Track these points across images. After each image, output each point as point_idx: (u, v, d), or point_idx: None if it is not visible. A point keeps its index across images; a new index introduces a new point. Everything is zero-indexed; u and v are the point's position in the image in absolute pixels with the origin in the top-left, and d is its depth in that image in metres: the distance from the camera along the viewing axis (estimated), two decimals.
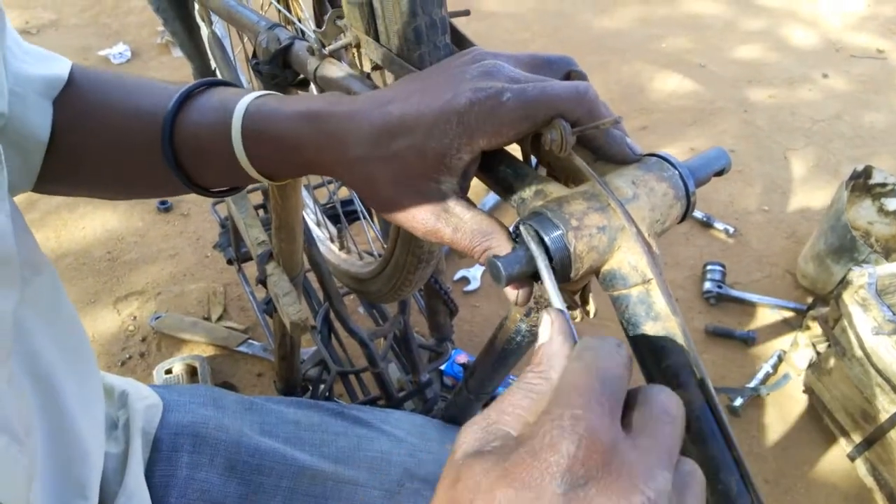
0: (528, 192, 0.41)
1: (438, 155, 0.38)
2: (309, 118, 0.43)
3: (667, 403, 0.30)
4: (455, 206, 0.40)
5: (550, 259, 0.36)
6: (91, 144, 0.53)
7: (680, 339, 0.37)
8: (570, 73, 0.44)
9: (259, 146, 0.46)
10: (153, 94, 0.52)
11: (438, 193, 0.40)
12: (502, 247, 0.39)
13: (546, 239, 0.36)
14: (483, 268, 1.83)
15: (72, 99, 0.52)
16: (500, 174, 0.42)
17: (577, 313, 0.46)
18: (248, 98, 0.47)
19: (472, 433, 0.30)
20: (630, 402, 0.30)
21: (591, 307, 0.46)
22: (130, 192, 0.61)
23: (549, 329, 0.33)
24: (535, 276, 0.39)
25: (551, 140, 0.38)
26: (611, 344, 0.31)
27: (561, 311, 0.34)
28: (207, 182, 0.52)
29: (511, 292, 0.39)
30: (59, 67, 0.52)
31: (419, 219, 0.40)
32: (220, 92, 0.51)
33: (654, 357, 0.37)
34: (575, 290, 0.45)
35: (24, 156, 0.51)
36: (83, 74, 0.54)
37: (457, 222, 0.40)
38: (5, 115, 0.49)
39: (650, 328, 0.37)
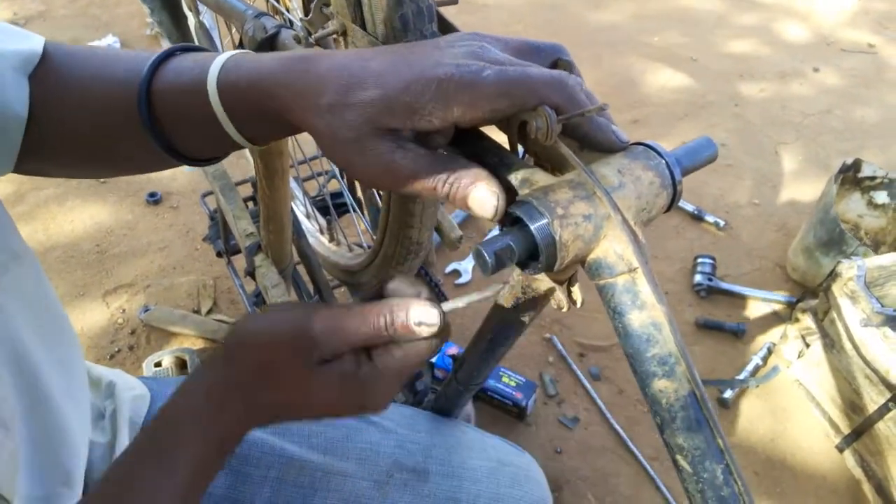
0: (514, 181, 0.40)
1: (409, 109, 0.38)
2: (286, 63, 0.42)
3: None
4: (411, 144, 0.39)
5: (535, 254, 0.36)
6: (69, 118, 0.51)
7: (666, 328, 0.37)
8: (558, 62, 0.43)
9: (235, 98, 0.45)
10: (128, 62, 0.50)
11: (399, 138, 0.39)
12: (469, 173, 0.39)
13: (532, 227, 0.36)
14: (473, 255, 1.82)
15: (47, 73, 0.51)
16: (487, 163, 0.42)
17: (564, 302, 0.46)
18: (225, 55, 0.46)
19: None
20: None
21: (578, 297, 0.46)
22: (112, 166, 0.59)
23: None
24: (522, 265, 0.38)
25: (537, 128, 0.38)
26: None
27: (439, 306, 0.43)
28: (188, 149, 0.51)
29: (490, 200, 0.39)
30: (33, 43, 0.51)
31: (377, 155, 0.39)
32: (194, 55, 0.49)
33: (640, 346, 0.37)
34: (561, 279, 0.45)
35: (3, 135, 0.50)
36: (57, 49, 0.52)
37: (414, 156, 0.39)
38: None
39: (636, 317, 0.37)
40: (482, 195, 0.38)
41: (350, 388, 0.43)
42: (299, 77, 0.41)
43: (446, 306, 0.44)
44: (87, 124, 0.51)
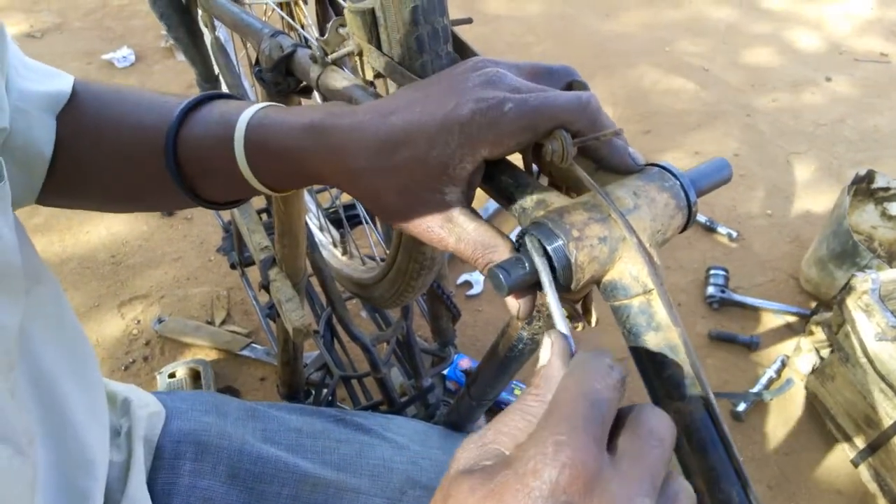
0: (529, 202, 0.41)
1: (441, 165, 0.39)
2: (311, 131, 0.44)
3: (655, 425, 0.30)
4: (459, 215, 0.40)
5: (554, 275, 0.36)
6: (94, 159, 0.53)
7: (681, 350, 0.37)
8: (572, 84, 0.44)
9: (262, 159, 0.47)
10: (155, 108, 0.52)
11: (442, 203, 0.40)
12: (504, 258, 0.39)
13: (548, 249, 0.36)
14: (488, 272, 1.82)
15: (75, 114, 0.52)
16: (502, 183, 0.42)
17: (579, 323, 0.46)
18: (250, 111, 0.47)
19: (467, 450, 0.31)
20: (619, 422, 0.31)
21: (593, 316, 0.46)
22: (135, 205, 0.61)
23: (549, 351, 0.33)
24: (537, 286, 0.39)
25: (552, 151, 0.38)
26: (603, 363, 0.31)
27: (563, 334, 0.34)
28: (211, 194, 0.53)
29: (512, 303, 0.39)
30: (62, 83, 0.53)
31: (423, 227, 0.41)
32: (221, 105, 0.51)
33: (656, 368, 0.37)
34: (576, 299, 0.45)
35: (27, 170, 0.51)
36: (86, 89, 0.54)
37: (460, 232, 0.40)
38: (7, 129, 0.49)
39: (651, 339, 0.37)
40: (510, 300, 0.40)
41: None
42: (326, 146, 0.43)
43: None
44: (111, 166, 0.53)
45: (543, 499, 0.26)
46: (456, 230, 0.40)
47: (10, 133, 0.50)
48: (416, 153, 0.39)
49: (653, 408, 0.32)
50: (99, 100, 0.54)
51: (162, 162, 0.49)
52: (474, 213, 0.41)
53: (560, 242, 0.36)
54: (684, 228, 0.41)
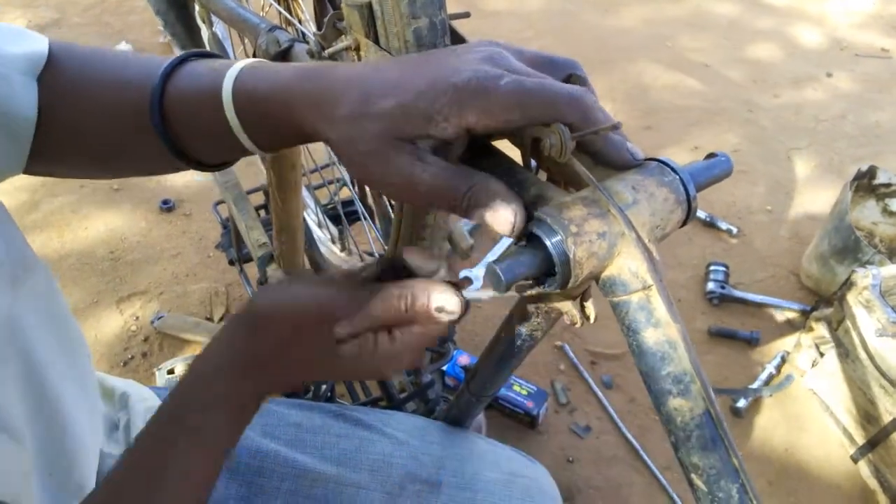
0: (527, 197, 0.40)
1: (425, 116, 0.37)
2: (303, 74, 0.43)
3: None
4: (432, 157, 0.39)
5: (550, 272, 0.36)
6: (79, 119, 0.51)
7: (680, 347, 0.37)
8: (572, 77, 0.43)
9: (250, 107, 0.45)
10: (139, 66, 0.50)
11: (415, 149, 0.39)
12: (488, 182, 0.39)
13: (548, 243, 0.36)
14: (485, 268, 1.82)
15: (55, 75, 0.51)
16: (500, 178, 0.42)
17: (577, 318, 0.46)
18: (240, 63, 0.46)
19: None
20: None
21: (591, 312, 0.46)
22: (121, 168, 0.59)
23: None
24: (535, 282, 0.38)
25: (551, 145, 0.38)
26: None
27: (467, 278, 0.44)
28: (199, 154, 0.51)
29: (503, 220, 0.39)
30: (38, 44, 0.51)
31: (395, 169, 0.39)
32: (209, 61, 0.49)
33: (655, 364, 0.37)
34: (575, 295, 0.45)
35: (12, 137, 0.50)
36: (64, 49, 0.52)
37: (434, 170, 0.39)
38: None
39: (650, 335, 0.37)
40: (501, 212, 0.38)
41: (367, 362, 0.45)
42: (315, 88, 0.41)
43: (468, 294, 0.45)
44: (96, 126, 0.51)
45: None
46: (429, 168, 0.39)
47: None
48: (401, 101, 0.38)
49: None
50: (79, 59, 0.52)
51: (147, 119, 0.48)
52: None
53: (559, 237, 0.36)
54: (684, 223, 0.41)
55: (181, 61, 0.49)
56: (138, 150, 0.52)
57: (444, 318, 0.43)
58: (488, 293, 0.45)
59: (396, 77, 0.39)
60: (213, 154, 0.52)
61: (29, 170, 0.54)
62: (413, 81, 0.38)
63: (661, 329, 0.37)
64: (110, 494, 0.47)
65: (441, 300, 0.43)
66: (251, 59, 0.48)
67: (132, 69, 0.51)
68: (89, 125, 0.51)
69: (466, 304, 0.44)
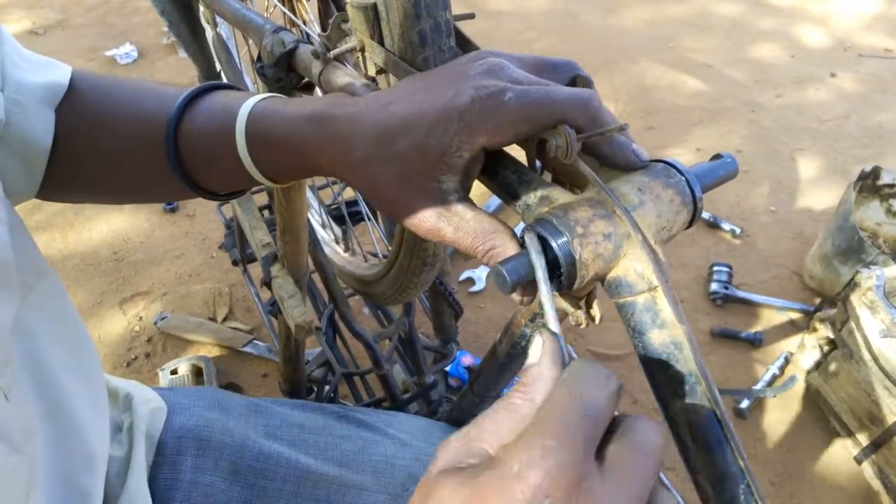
0: (532, 198, 0.40)
1: (439, 152, 0.38)
2: (312, 120, 0.43)
3: (646, 437, 0.30)
4: (457, 205, 0.40)
5: (555, 273, 0.36)
6: (94, 150, 0.53)
7: (686, 348, 0.36)
8: (576, 79, 0.43)
9: (263, 149, 0.46)
10: (155, 99, 0.51)
11: (440, 192, 0.40)
12: (506, 246, 0.39)
13: (553, 245, 0.36)
14: (488, 269, 1.82)
15: (74, 105, 0.52)
16: (505, 179, 0.42)
17: (582, 319, 0.45)
18: (251, 101, 0.47)
19: (449, 449, 0.30)
20: (611, 430, 0.30)
21: (596, 313, 0.45)
22: (135, 197, 0.61)
23: (539, 350, 0.32)
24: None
25: (556, 146, 0.38)
26: (601, 372, 0.30)
27: (554, 333, 0.33)
28: (212, 185, 0.52)
29: (516, 296, 0.39)
30: (60, 74, 0.52)
31: (421, 218, 0.40)
32: (223, 95, 0.51)
33: (660, 365, 0.37)
34: (580, 296, 0.45)
35: (26, 163, 0.51)
36: (84, 80, 0.54)
37: (458, 221, 0.40)
38: (2, 121, 0.49)
39: (656, 336, 0.37)
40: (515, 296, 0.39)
41: None
42: (325, 135, 0.42)
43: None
44: (111, 157, 0.53)
45: (526, 502, 0.26)
46: (454, 219, 0.40)
47: (8, 125, 0.49)
48: (415, 141, 0.38)
49: (645, 419, 0.31)
50: (98, 90, 0.53)
51: (162, 152, 0.49)
52: (472, 203, 0.41)
53: (565, 239, 0.36)
54: (689, 224, 0.41)
55: (197, 94, 0.50)
56: (151, 180, 0.54)
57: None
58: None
59: (403, 112, 0.39)
60: (226, 185, 0.54)
61: (42, 195, 0.55)
62: (422, 115, 0.38)
63: (666, 330, 0.37)
64: None
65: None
66: (261, 96, 0.49)
67: (149, 102, 0.52)
68: (104, 155, 0.53)
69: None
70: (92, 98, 0.53)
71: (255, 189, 1.28)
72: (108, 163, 0.53)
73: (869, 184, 1.81)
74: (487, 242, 0.39)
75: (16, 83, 0.50)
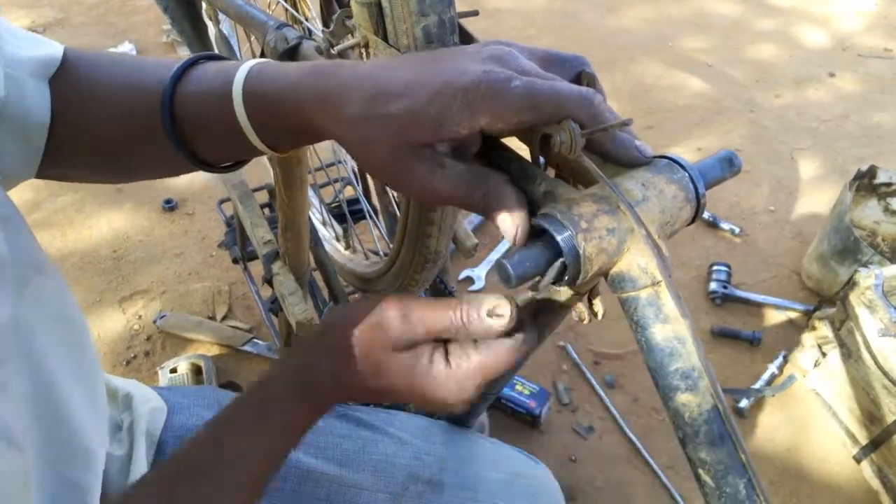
0: (537, 193, 0.40)
1: (436, 122, 0.37)
2: (312, 75, 0.43)
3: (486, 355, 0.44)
4: (448, 160, 0.40)
5: (563, 266, 0.36)
6: (90, 123, 0.52)
7: (689, 342, 0.37)
8: (582, 74, 0.43)
9: (260, 107, 0.45)
10: (150, 69, 0.51)
11: (433, 157, 0.39)
12: (501, 189, 0.40)
13: (558, 239, 0.36)
14: (487, 268, 1.83)
15: (68, 78, 0.51)
16: (510, 174, 0.42)
17: (585, 314, 0.46)
18: (250, 62, 0.47)
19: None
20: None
21: (599, 308, 0.46)
22: (133, 171, 0.59)
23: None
24: (544, 278, 0.38)
25: (560, 142, 0.38)
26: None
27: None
28: (209, 156, 0.51)
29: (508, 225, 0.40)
30: (52, 49, 0.52)
31: (415, 176, 0.40)
32: (218, 63, 0.50)
33: (663, 360, 0.37)
34: (583, 291, 0.45)
35: (25, 140, 0.50)
36: (77, 55, 0.53)
37: (452, 175, 0.40)
38: (1, 98, 0.48)
39: (659, 331, 0.37)
40: (506, 224, 0.40)
41: (420, 381, 0.45)
42: (323, 86, 0.41)
43: (519, 299, 0.45)
44: (108, 129, 0.52)
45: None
46: (447, 173, 0.39)
47: (6, 104, 0.49)
48: (412, 105, 0.38)
49: (502, 350, 0.44)
50: (91, 64, 0.53)
51: (158, 122, 0.48)
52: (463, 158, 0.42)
53: (569, 233, 0.36)
54: (692, 220, 0.41)
55: (191, 64, 0.50)
56: (150, 152, 0.53)
57: (496, 323, 0.43)
58: (540, 294, 0.46)
59: (406, 77, 0.39)
60: (225, 155, 0.52)
61: (41, 173, 0.54)
62: (423, 83, 0.38)
63: (669, 325, 0.37)
64: (165, 491, 0.49)
65: (491, 302, 0.43)
66: (259, 59, 0.48)
67: (143, 72, 0.51)
68: (101, 128, 0.52)
69: (521, 316, 0.45)
70: (84, 71, 0.52)
71: (255, 187, 1.28)
72: (105, 135, 0.52)
73: (866, 183, 1.81)
74: (483, 186, 0.40)
75: (8, 58, 0.49)
